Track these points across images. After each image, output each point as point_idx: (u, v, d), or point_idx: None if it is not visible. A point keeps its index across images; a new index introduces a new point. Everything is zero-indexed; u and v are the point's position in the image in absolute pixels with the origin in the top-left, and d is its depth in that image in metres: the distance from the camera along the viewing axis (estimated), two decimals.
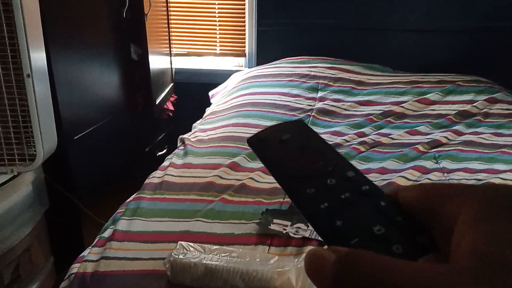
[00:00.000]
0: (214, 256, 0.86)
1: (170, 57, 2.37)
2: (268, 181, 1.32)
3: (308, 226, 1.05)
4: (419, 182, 1.29)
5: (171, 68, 2.40)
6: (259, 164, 1.42)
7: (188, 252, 0.87)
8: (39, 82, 1.17)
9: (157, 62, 2.09)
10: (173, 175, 1.33)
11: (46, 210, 1.40)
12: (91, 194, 1.60)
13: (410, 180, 1.30)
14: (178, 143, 1.65)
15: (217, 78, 2.40)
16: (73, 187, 1.49)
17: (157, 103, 2.08)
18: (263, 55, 2.45)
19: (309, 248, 0.97)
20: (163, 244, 1.00)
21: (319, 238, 1.00)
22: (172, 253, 0.87)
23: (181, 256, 0.86)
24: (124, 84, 1.91)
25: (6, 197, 1.21)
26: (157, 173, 1.35)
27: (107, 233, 1.07)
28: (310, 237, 1.01)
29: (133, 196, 1.25)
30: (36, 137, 1.18)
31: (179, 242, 0.91)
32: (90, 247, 1.04)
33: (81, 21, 1.58)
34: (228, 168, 1.38)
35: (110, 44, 1.83)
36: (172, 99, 2.35)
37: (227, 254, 0.87)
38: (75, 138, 1.52)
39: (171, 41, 2.35)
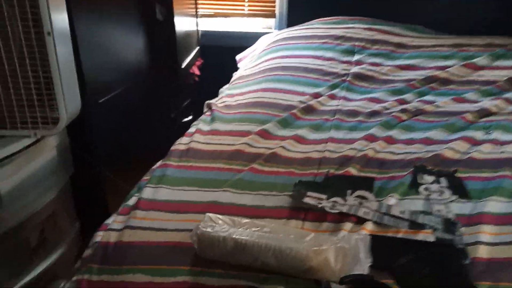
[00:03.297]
0: (244, 231, 0.79)
1: (196, 18, 2.25)
2: (300, 150, 1.23)
3: (345, 201, 0.96)
4: (468, 155, 1.17)
5: (197, 31, 2.28)
6: (291, 132, 1.34)
7: (217, 225, 0.81)
8: (61, 41, 1.11)
9: (182, 23, 1.99)
10: (199, 142, 1.26)
11: (71, 175, 1.38)
12: (116, 159, 1.56)
13: (458, 152, 1.18)
14: (205, 108, 1.58)
15: (245, 41, 2.28)
16: (98, 152, 1.45)
17: (182, 67, 1.99)
18: (294, 16, 2.29)
19: (347, 225, 0.89)
20: (190, 214, 0.94)
21: (358, 214, 0.92)
22: (200, 226, 0.80)
23: (209, 229, 0.79)
24: (149, 47, 1.83)
25: (30, 161, 1.18)
26: (183, 140, 1.29)
27: (132, 201, 1.02)
28: (348, 212, 0.92)
29: (159, 163, 1.19)
30: (59, 100, 1.14)
31: (207, 214, 0.85)
32: (114, 214, 1.00)
33: None
34: (258, 135, 1.30)
35: (135, 3, 1.73)
36: (198, 63, 2.26)
37: (258, 228, 0.80)
38: (99, 101, 1.46)
39: (197, 1, 2.22)
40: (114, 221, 0.96)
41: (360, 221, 0.90)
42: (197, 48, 2.28)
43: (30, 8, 1.06)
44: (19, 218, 1.15)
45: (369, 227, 0.88)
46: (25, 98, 1.13)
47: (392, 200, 0.97)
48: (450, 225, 0.90)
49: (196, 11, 2.23)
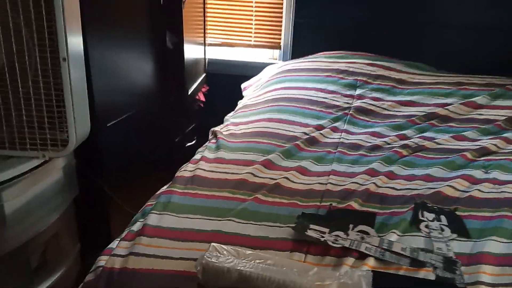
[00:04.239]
0: (248, 262, 0.80)
1: (204, 47, 2.32)
2: (303, 181, 1.25)
3: (347, 235, 0.98)
4: (468, 193, 1.19)
5: (205, 58, 2.35)
6: (294, 163, 1.36)
7: (222, 255, 0.82)
8: (75, 66, 1.14)
9: (191, 51, 2.05)
10: (205, 170, 1.28)
11: (75, 197, 1.39)
12: (120, 182, 1.58)
13: (458, 190, 1.20)
14: (210, 135, 1.60)
15: (250, 70, 2.34)
16: (103, 174, 1.47)
17: (189, 93, 2.04)
18: (299, 49, 2.36)
19: (349, 260, 0.90)
20: (194, 243, 0.95)
21: (360, 249, 0.93)
22: (205, 256, 0.82)
23: (214, 260, 0.80)
24: (158, 73, 1.88)
25: (37, 182, 1.20)
26: (189, 167, 1.31)
27: (136, 227, 1.03)
28: (350, 247, 0.94)
29: (164, 188, 1.21)
30: (69, 123, 1.16)
31: (212, 244, 0.86)
32: (118, 239, 1.01)
33: (118, 7, 1.55)
34: (262, 165, 1.32)
35: (146, 31, 1.79)
36: (203, 89, 2.31)
37: (262, 261, 0.81)
38: (107, 125, 1.49)
39: (206, 31, 2.30)
40: (118, 246, 0.97)
41: (362, 256, 0.92)
42: (204, 75, 2.34)
43: (48, 35, 1.10)
44: (22, 238, 1.15)
45: (370, 263, 0.90)
46: (36, 120, 1.15)
47: (393, 236, 0.99)
48: (450, 263, 0.91)
49: (205, 40, 2.30)
